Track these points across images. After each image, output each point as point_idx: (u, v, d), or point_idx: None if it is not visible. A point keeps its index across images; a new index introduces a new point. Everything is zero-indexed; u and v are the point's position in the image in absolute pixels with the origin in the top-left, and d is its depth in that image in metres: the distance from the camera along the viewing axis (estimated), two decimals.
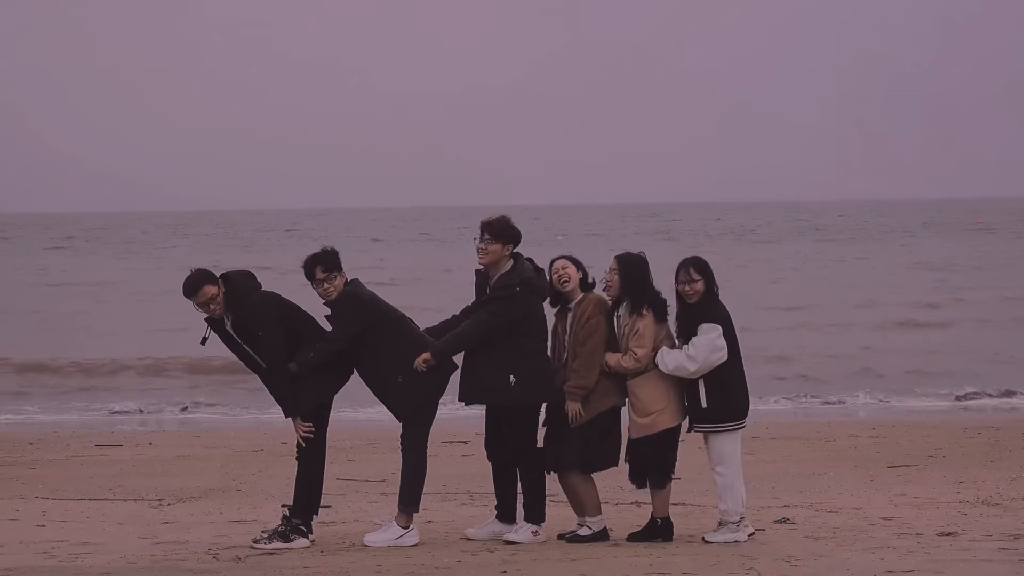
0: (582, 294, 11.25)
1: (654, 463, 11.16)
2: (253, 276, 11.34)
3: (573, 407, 11.07)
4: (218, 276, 11.21)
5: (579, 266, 11.30)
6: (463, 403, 11.41)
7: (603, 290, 11.27)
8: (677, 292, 11.15)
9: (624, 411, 11.28)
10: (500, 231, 11.25)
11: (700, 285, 11.10)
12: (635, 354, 11.02)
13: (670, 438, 11.16)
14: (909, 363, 28.95)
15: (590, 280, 11.31)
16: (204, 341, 11.35)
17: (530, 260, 11.37)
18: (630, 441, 11.20)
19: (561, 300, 11.34)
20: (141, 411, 24.00)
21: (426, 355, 11.15)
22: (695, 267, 11.13)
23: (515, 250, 11.31)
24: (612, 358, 11.08)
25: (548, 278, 11.31)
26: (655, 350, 11.07)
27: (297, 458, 11.37)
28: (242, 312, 11.10)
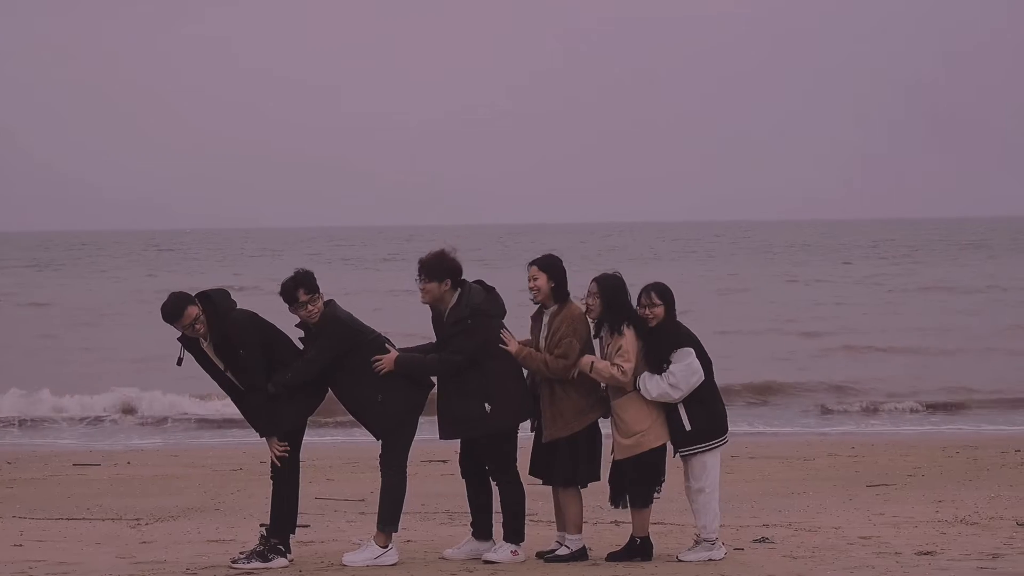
0: (556, 304, 11.18)
1: (635, 484, 11.16)
2: (229, 294, 11.30)
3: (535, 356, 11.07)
4: (195, 296, 11.17)
5: (554, 273, 11.16)
6: (443, 439, 11.32)
7: (584, 313, 11.23)
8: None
9: (604, 426, 11.29)
10: (432, 269, 11.10)
11: (660, 310, 11.14)
12: (622, 367, 11.02)
13: (654, 458, 11.16)
14: (886, 384, 29.01)
15: (567, 290, 11.17)
16: (180, 362, 11.29)
17: (479, 282, 11.20)
18: (614, 463, 11.20)
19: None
20: (115, 425, 23.94)
21: (390, 357, 11.04)
22: (656, 292, 11.18)
23: (462, 278, 11.14)
24: (601, 363, 11.06)
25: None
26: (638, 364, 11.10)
27: (272, 478, 11.35)
28: (224, 329, 11.06)
